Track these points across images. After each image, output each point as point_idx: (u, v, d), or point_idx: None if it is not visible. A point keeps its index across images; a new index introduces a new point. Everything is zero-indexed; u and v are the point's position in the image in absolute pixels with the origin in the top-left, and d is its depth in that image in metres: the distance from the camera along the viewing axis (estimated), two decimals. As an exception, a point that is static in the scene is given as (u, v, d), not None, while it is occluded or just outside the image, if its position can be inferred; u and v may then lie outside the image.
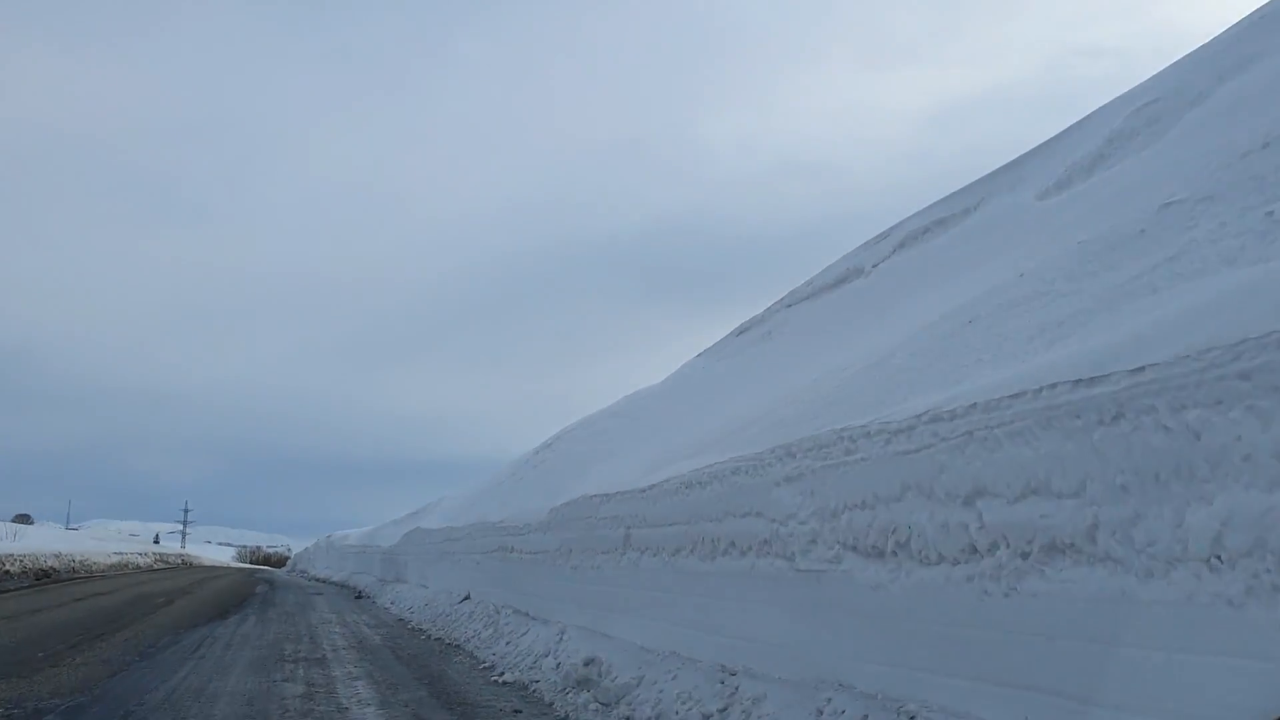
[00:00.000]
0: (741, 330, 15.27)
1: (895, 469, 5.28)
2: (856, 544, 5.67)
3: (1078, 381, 3.99)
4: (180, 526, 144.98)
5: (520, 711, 8.57)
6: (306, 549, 70.08)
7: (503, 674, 10.74)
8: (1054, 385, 4.13)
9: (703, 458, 8.57)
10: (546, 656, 10.48)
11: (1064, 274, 6.50)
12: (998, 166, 12.23)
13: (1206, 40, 10.60)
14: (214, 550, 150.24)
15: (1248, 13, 10.18)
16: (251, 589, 32.68)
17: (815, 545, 6.10)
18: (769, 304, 14.78)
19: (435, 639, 15.47)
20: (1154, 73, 10.95)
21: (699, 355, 16.42)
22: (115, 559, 52.03)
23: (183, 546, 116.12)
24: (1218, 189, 6.13)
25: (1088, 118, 11.43)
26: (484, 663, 11.88)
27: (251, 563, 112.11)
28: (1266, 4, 10.16)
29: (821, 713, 5.59)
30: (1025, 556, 4.31)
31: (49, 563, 38.28)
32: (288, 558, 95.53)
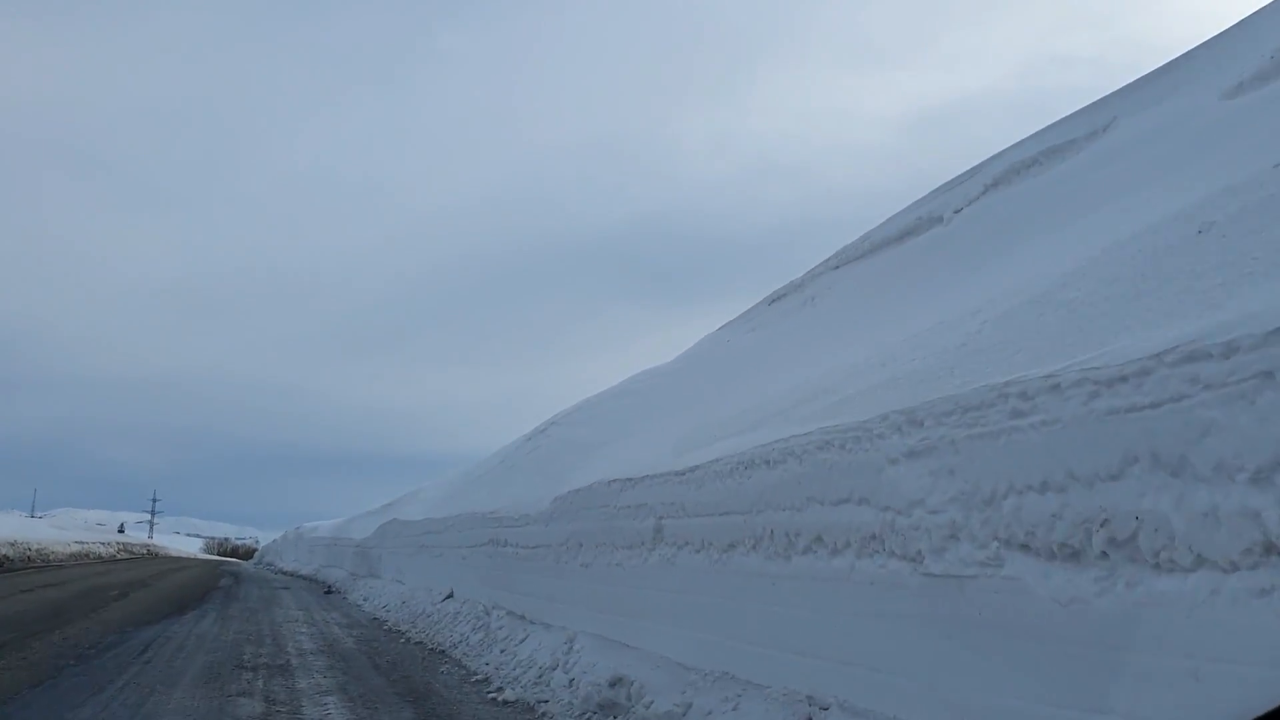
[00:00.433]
0: (775, 298, 13.66)
1: (1110, 434, 3.69)
2: (1030, 541, 4.09)
3: None
4: (148, 516, 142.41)
5: (530, 742, 6.96)
6: (275, 541, 68.05)
7: (501, 690, 9.10)
8: None
9: (760, 434, 6.98)
10: (554, 670, 8.85)
11: None
12: (1127, 83, 10.62)
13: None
14: (181, 541, 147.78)
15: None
16: (215, 582, 30.84)
17: (955, 542, 4.51)
18: (809, 269, 13.19)
19: (416, 643, 13.80)
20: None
21: (720, 329, 14.80)
22: (76, 548, 50.11)
23: (149, 537, 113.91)
24: None
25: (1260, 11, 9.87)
26: (476, 674, 10.23)
27: (219, 554, 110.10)
28: None
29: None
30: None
31: (2, 551, 36.38)
32: (256, 549, 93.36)
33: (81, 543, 53.41)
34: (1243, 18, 10.14)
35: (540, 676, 8.96)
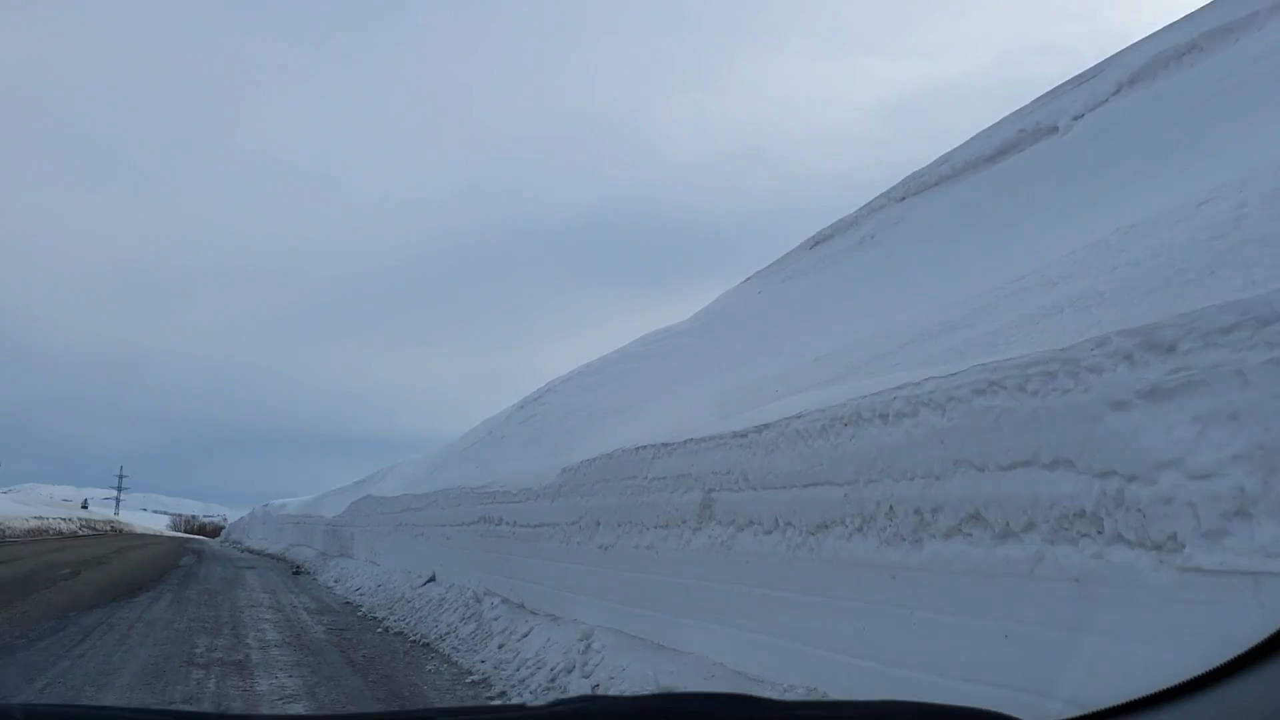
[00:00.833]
0: (817, 241, 12.06)
1: None
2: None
3: None
4: (115, 493, 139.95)
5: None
6: (242, 518, 66.12)
7: (505, 695, 7.55)
8: None
9: (854, 385, 5.44)
10: (571, 673, 7.30)
11: None
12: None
13: None
14: (148, 518, 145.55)
15: None
16: (176, 560, 29.09)
17: (1246, 521, 2.99)
18: (862, 205, 11.60)
19: (396, 633, 12.22)
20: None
21: (744, 282, 13.22)
22: (35, 524, 48.25)
23: (115, 513, 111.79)
24: None
25: None
26: (472, 674, 8.66)
27: (186, 532, 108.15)
28: None
29: None
30: None
31: (-48, 525, 34.54)
32: (224, 527, 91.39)
33: (41, 518, 51.47)
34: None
35: (553, 680, 7.40)
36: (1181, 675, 3.16)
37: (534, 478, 10.67)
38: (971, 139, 11.02)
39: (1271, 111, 6.70)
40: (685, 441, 6.82)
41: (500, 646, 9.23)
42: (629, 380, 11.80)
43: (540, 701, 7.20)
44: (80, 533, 55.31)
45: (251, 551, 40.39)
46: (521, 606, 10.32)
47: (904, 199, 10.60)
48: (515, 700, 7.31)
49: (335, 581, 20.69)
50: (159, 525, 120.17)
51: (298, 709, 7.00)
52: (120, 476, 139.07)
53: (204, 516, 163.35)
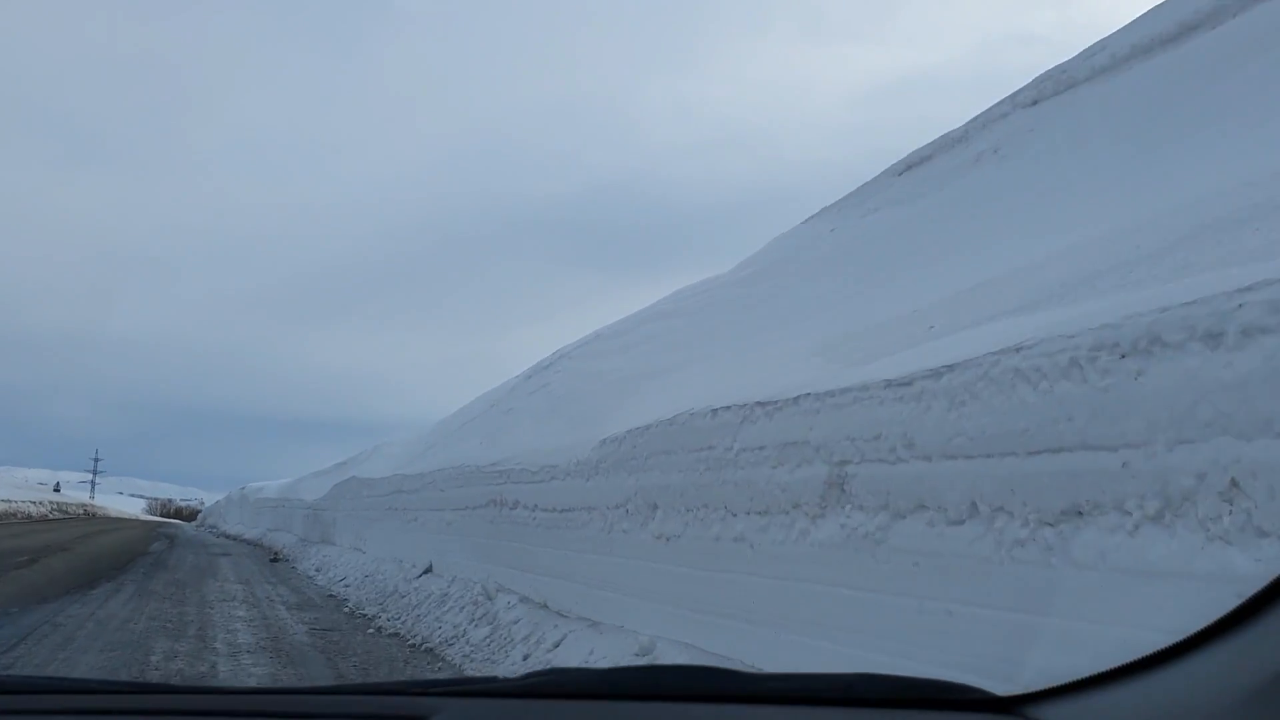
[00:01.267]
0: (910, 164, 10.21)
1: None
2: None
3: None
4: (90, 476, 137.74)
5: None
6: (218, 502, 64.06)
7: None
8: None
9: (1080, 310, 3.71)
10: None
11: None
12: None
13: None
14: (124, 502, 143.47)
15: None
16: (146, 546, 27.23)
17: None
18: (976, 115, 9.78)
19: (391, 634, 10.46)
20: None
21: (806, 222, 11.37)
22: (2, 507, 46.28)
23: (91, 497, 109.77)
24: None
25: None
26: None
27: (162, 515, 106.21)
28: None
29: None
30: None
31: (-87, 507, 32.59)
32: (200, 511, 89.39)
33: (9, 501, 49.51)
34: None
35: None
36: None
37: (559, 453, 8.92)
38: (1124, 28, 9.13)
39: None
40: (797, 398, 5.06)
41: (526, 658, 7.48)
42: (668, 339, 10.04)
43: None
44: (50, 516, 53.38)
45: (227, 537, 38.51)
46: (545, 607, 8.58)
47: (1036, 103, 8.80)
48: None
49: (316, 570, 18.92)
50: (135, 509, 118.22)
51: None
52: (96, 460, 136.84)
53: (181, 500, 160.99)
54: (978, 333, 4.30)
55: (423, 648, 9.37)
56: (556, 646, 7.28)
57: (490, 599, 9.59)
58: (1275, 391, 2.76)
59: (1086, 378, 3.36)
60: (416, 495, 14.57)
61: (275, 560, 23.09)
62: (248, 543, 32.69)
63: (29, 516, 49.35)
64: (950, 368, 4.04)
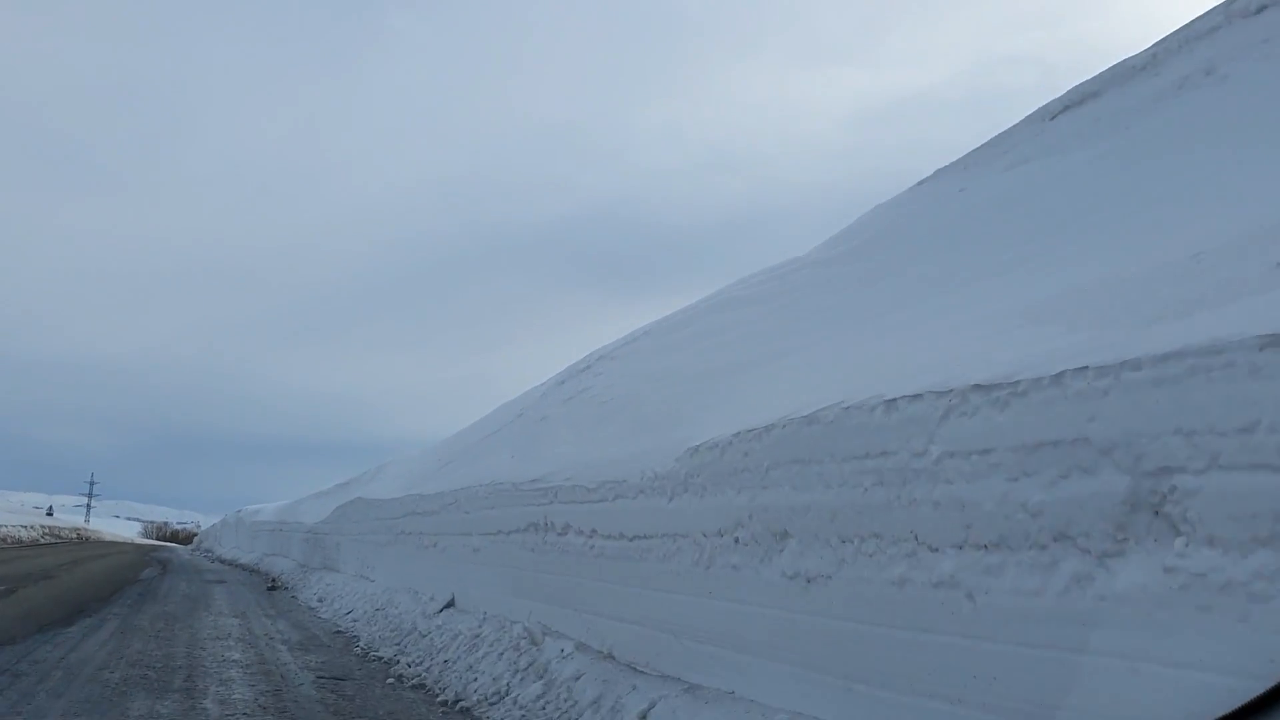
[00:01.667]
0: (1068, 105, 8.45)
1: None
2: None
3: None
4: (86, 500, 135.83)
5: None
6: (214, 526, 62.17)
7: None
8: None
9: None
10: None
11: None
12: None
13: None
14: (120, 526, 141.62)
15: None
16: (136, 573, 25.46)
17: None
18: (1158, 39, 8.05)
19: (415, 685, 8.76)
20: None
21: (920, 184, 9.65)
22: (-10, 532, 44.68)
23: (85, 521, 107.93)
24: None
25: None
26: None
27: (158, 539, 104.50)
28: None
29: None
30: None
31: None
32: (196, 534, 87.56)
33: (-1, 525, 47.78)
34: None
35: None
36: None
37: (622, 465, 7.25)
38: None
39: None
40: (1059, 375, 3.40)
41: (603, 733, 5.79)
42: (743, 330, 8.40)
43: None
44: (41, 541, 51.67)
45: (223, 561, 36.72)
46: (610, 657, 6.90)
47: (1263, 9, 7.14)
48: None
49: (319, 601, 17.20)
50: (130, 533, 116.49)
51: None
52: (90, 484, 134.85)
53: (177, 523, 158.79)
54: None
55: (457, 706, 7.67)
56: (645, 716, 5.59)
57: (536, 645, 7.90)
58: None
59: None
60: (434, 518, 12.88)
61: (273, 588, 21.38)
62: (244, 568, 30.95)
63: (19, 541, 47.64)
64: None
